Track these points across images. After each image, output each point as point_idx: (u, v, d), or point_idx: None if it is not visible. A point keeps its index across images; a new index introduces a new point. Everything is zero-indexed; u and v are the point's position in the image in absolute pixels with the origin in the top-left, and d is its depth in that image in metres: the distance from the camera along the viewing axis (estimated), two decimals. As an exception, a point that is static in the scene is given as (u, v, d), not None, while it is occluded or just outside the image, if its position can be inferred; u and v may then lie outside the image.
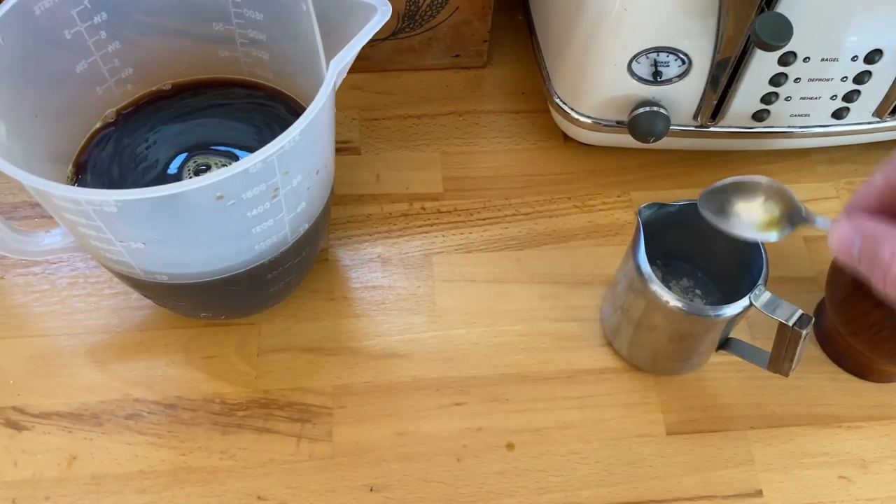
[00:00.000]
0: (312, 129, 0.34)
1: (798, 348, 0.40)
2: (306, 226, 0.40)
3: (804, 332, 0.39)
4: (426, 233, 0.52)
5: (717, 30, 0.44)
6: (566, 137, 0.56)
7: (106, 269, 0.41)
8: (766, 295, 0.40)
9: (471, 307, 0.49)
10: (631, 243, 0.42)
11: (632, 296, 0.43)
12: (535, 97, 0.59)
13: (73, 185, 0.42)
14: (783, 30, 0.40)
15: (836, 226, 0.27)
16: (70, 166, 0.42)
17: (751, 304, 0.40)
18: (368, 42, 0.56)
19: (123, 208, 0.32)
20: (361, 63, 0.58)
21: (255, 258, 0.38)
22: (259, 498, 0.42)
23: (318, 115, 0.34)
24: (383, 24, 0.35)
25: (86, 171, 0.43)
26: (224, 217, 0.34)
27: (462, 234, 0.52)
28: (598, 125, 0.51)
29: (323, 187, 0.40)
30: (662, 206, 0.42)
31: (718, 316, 0.40)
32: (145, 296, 0.43)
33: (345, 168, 0.54)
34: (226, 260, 0.38)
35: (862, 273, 0.26)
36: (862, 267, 0.27)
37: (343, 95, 0.58)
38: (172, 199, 0.31)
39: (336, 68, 0.34)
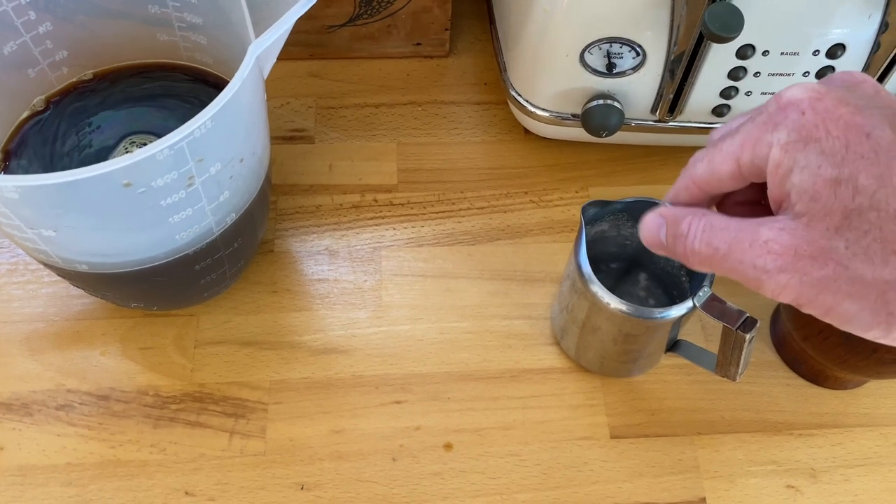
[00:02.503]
0: (228, 115, 0.33)
1: (743, 352, 0.38)
2: (234, 216, 0.39)
3: (748, 336, 0.37)
4: (377, 225, 0.51)
5: (671, 20, 0.43)
6: (527, 131, 0.54)
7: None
8: (711, 297, 0.38)
9: (417, 303, 0.48)
10: (574, 242, 0.41)
11: (575, 296, 0.42)
12: (498, 88, 0.57)
13: (1, 171, 0.41)
14: (734, 21, 0.39)
15: (644, 218, 0.29)
16: (-2, 151, 0.41)
17: (694, 306, 0.39)
18: (325, 28, 0.55)
19: (25, 194, 0.30)
20: (320, 50, 0.58)
21: (177, 249, 0.37)
22: (187, 493, 0.41)
23: (234, 102, 0.32)
24: (307, 8, 0.34)
25: (15, 157, 0.42)
26: (135, 205, 0.33)
27: (414, 227, 0.51)
28: (555, 118, 0.49)
29: (251, 176, 0.39)
30: (607, 203, 0.41)
31: (661, 318, 0.39)
32: (74, 285, 0.42)
33: (297, 157, 0.53)
34: (145, 250, 0.36)
35: (673, 255, 0.28)
36: (670, 248, 0.28)
37: (300, 83, 0.57)
38: (75, 185, 0.30)
39: (254, 53, 0.33)
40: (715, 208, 0.30)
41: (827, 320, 0.25)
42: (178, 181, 0.33)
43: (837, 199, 0.23)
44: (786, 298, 0.25)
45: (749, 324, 0.37)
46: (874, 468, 0.43)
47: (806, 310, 0.25)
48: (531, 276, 0.49)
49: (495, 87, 0.57)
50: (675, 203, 0.29)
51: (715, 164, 0.27)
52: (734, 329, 0.37)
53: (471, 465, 0.43)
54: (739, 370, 0.39)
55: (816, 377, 0.45)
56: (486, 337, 0.47)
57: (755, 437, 0.44)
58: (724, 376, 0.41)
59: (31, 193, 0.31)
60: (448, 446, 0.43)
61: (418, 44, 0.57)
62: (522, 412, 0.44)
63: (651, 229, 0.29)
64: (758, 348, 0.47)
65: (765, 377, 0.46)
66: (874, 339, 0.25)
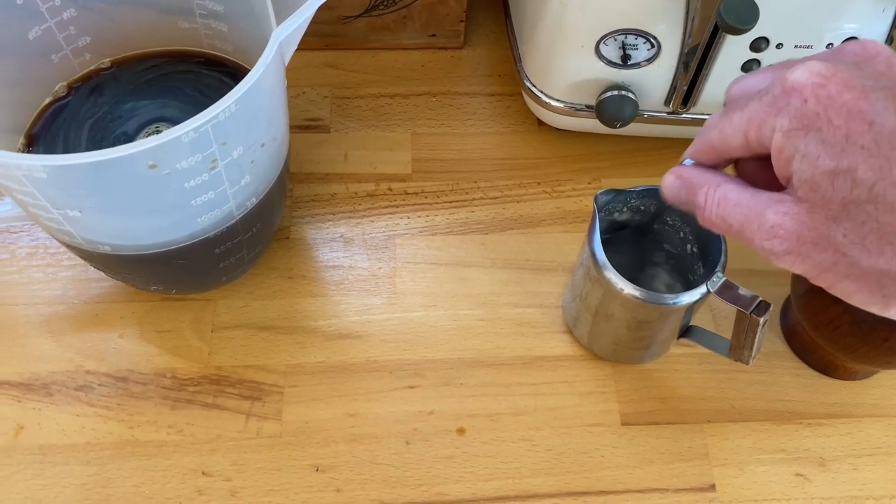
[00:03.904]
0: (252, 100, 0.33)
1: (757, 336, 0.39)
2: (254, 200, 0.39)
3: (762, 320, 0.38)
4: (391, 214, 0.52)
5: (687, 12, 0.43)
6: (540, 122, 0.55)
7: (62, 240, 0.40)
8: (724, 282, 0.39)
9: (431, 290, 0.49)
10: (587, 231, 0.41)
11: (589, 284, 0.42)
12: (511, 80, 0.58)
13: (24, 153, 0.41)
14: (749, 13, 0.39)
15: (664, 178, 0.31)
16: (21, 137, 0.42)
17: (708, 291, 0.39)
18: (341, 18, 0.56)
19: (53, 174, 0.31)
20: (336, 40, 0.58)
21: (199, 231, 0.38)
22: (204, 474, 0.42)
23: (257, 87, 0.33)
24: (327, -3, 0.34)
25: (38, 142, 0.42)
26: (159, 187, 0.33)
27: (428, 216, 0.52)
28: (569, 109, 0.50)
29: (271, 161, 0.39)
30: (620, 192, 0.41)
31: (675, 303, 0.40)
32: (95, 267, 0.42)
33: (313, 146, 0.54)
34: (168, 232, 0.37)
35: (690, 211, 0.30)
36: (689, 208, 0.30)
37: (316, 72, 0.57)
38: (102, 165, 0.31)
39: (277, 39, 0.33)
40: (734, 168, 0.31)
41: (833, 293, 0.26)
42: (202, 164, 0.33)
43: (835, 190, 0.24)
44: (795, 272, 0.27)
45: (763, 307, 0.38)
46: (883, 458, 0.44)
47: (814, 283, 0.26)
48: (543, 265, 0.50)
49: (509, 79, 0.58)
50: (695, 158, 0.31)
51: (726, 135, 0.28)
52: (748, 313, 0.38)
53: (483, 450, 0.43)
54: (753, 354, 0.40)
55: (826, 367, 0.46)
56: (498, 324, 0.47)
57: (764, 425, 0.45)
58: (737, 360, 0.41)
59: (59, 173, 0.31)
60: (461, 431, 0.44)
61: (433, 35, 0.58)
62: (534, 398, 0.45)
63: (672, 189, 0.31)
64: (767, 338, 0.47)
65: (774, 367, 0.47)
66: (875, 312, 0.26)
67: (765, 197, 0.27)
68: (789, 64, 0.26)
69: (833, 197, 0.24)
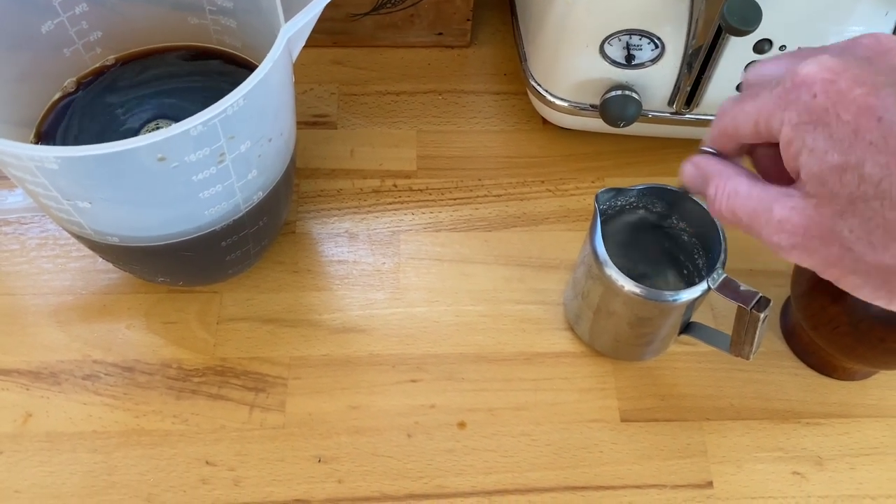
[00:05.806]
0: (259, 95, 0.34)
1: (757, 332, 0.39)
2: (260, 194, 0.40)
3: (762, 315, 0.38)
4: (396, 210, 0.52)
5: (690, 14, 0.43)
6: (545, 121, 0.55)
7: (71, 231, 0.41)
8: (725, 279, 0.39)
9: (434, 286, 0.49)
10: (589, 229, 0.42)
11: (590, 281, 0.43)
12: (517, 79, 0.58)
13: (35, 145, 0.42)
14: (752, 14, 0.40)
15: (683, 166, 0.32)
16: (32, 131, 0.43)
17: (709, 287, 0.39)
18: (349, 16, 0.57)
19: (64, 165, 0.32)
20: (344, 37, 0.59)
21: (206, 224, 0.38)
22: (208, 463, 0.43)
23: (265, 82, 0.33)
24: (336, -7, 0.35)
25: (48, 138, 0.43)
26: (168, 179, 0.34)
27: (432, 212, 0.52)
28: (573, 108, 0.50)
29: (278, 156, 0.40)
30: (621, 190, 0.42)
31: (676, 300, 0.40)
32: (103, 258, 0.43)
33: (320, 142, 0.54)
34: (175, 224, 0.38)
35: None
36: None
37: (323, 69, 0.58)
38: (112, 157, 0.31)
39: (286, 35, 0.34)
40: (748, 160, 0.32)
41: (840, 287, 0.27)
42: (210, 157, 0.34)
43: (843, 185, 0.24)
44: (802, 265, 0.27)
45: (763, 303, 0.38)
46: (880, 458, 0.44)
47: (821, 276, 0.27)
48: (546, 262, 0.50)
49: (514, 78, 0.58)
50: (712, 146, 0.31)
51: (738, 122, 0.29)
52: (748, 309, 0.38)
53: (484, 444, 0.44)
54: (753, 349, 0.40)
55: (825, 367, 0.46)
56: (500, 320, 0.48)
57: (762, 424, 0.45)
58: (737, 355, 0.42)
59: (70, 164, 0.32)
60: (462, 425, 0.44)
61: (440, 34, 0.58)
62: (535, 394, 0.45)
63: (689, 178, 0.32)
64: (767, 338, 0.48)
65: (773, 366, 0.47)
66: (881, 306, 0.26)
67: (774, 191, 0.27)
68: (804, 54, 0.27)
69: (840, 192, 0.24)
